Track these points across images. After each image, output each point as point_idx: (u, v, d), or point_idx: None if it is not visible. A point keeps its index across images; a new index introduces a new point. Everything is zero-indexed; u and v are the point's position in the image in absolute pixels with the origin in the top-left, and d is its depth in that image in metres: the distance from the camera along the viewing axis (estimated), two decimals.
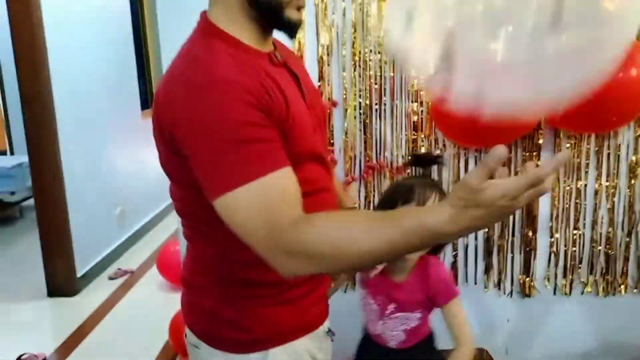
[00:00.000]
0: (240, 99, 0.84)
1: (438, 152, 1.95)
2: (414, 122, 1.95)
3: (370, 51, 1.89)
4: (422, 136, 1.95)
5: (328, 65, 1.88)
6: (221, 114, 0.84)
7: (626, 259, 2.00)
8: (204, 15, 0.98)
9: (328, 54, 1.90)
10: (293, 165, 0.88)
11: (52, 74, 3.04)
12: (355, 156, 1.97)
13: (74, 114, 3.23)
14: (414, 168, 1.88)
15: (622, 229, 1.98)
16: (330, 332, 1.17)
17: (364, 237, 0.78)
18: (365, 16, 1.86)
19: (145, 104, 4.37)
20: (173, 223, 4.33)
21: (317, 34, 1.88)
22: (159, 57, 4.88)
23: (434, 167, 1.95)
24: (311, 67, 1.83)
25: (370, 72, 1.91)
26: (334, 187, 1.13)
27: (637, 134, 1.90)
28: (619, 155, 1.92)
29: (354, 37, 1.89)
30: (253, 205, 0.82)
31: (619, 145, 1.92)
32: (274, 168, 0.84)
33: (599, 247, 2.00)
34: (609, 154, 1.92)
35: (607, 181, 1.95)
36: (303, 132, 0.96)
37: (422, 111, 1.93)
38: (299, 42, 1.85)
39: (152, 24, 4.66)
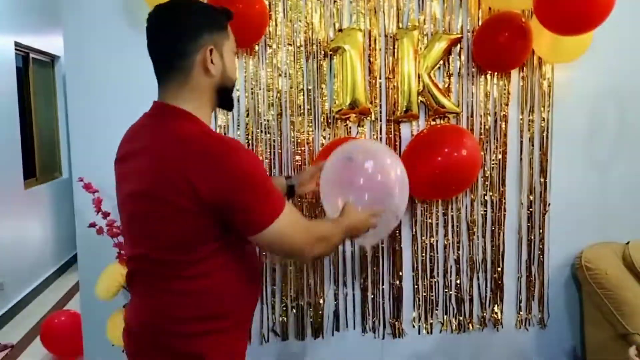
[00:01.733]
0: (258, 160, 1.27)
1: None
2: None
3: (261, 131, 2.24)
4: (306, 203, 2.30)
5: None
6: (258, 168, 1.21)
7: (471, 301, 2.46)
8: (173, 106, 1.23)
9: (225, 133, 2.22)
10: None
11: None
12: None
13: None
14: None
15: (467, 276, 2.44)
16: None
17: (335, 233, 1.42)
18: (256, 102, 2.23)
19: (28, 174, 4.31)
20: (55, 295, 4.22)
21: (215, 116, 2.20)
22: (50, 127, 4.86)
23: None
24: None
25: (260, 149, 2.25)
26: None
27: (472, 199, 2.40)
28: (460, 217, 2.41)
29: (247, 120, 2.23)
30: (294, 220, 1.27)
31: (460, 208, 2.41)
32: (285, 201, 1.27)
33: (450, 292, 2.44)
34: (452, 216, 2.40)
35: (452, 237, 2.41)
36: None
37: None
38: None
39: (36, 96, 4.67)
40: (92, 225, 2.07)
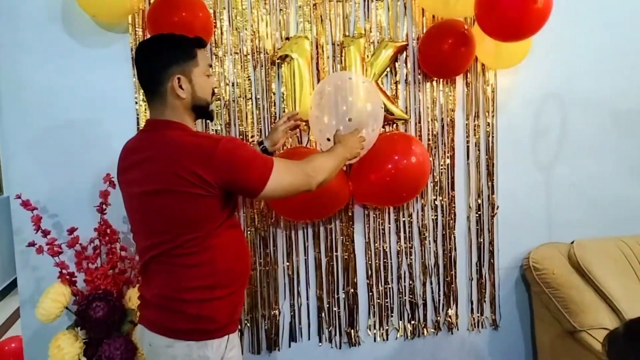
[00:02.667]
0: (238, 140, 1.58)
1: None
2: (250, 201, 2.26)
3: None
4: (256, 212, 2.27)
5: None
6: (240, 146, 1.49)
7: (424, 306, 2.48)
8: (161, 120, 1.52)
9: None
10: (235, 206, 1.62)
11: None
12: None
13: None
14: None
15: (420, 281, 2.46)
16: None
17: (330, 159, 1.70)
18: None
19: None
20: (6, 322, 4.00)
21: None
22: None
23: None
24: None
25: None
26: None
27: (422, 204, 2.43)
28: (411, 222, 2.43)
29: (195, 130, 2.18)
30: (284, 168, 1.53)
31: (411, 214, 2.43)
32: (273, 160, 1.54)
33: (405, 297, 2.45)
34: (404, 221, 2.42)
35: (405, 243, 2.43)
36: None
37: None
38: None
39: None
40: (32, 244, 1.96)
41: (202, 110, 1.58)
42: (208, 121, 2.17)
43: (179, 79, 1.49)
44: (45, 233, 1.98)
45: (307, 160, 1.64)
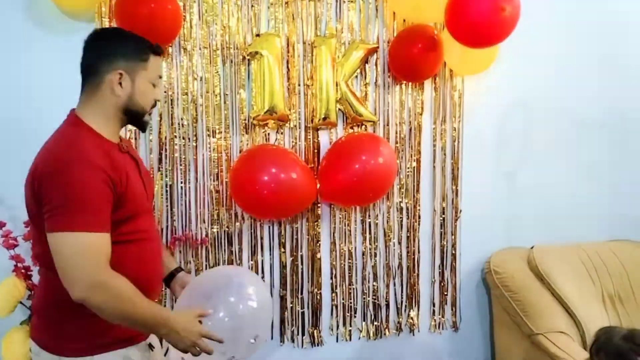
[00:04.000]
0: (96, 176, 1.28)
1: None
2: (215, 198, 2.24)
3: (175, 137, 2.16)
4: (224, 210, 2.25)
5: (136, 147, 2.09)
6: (83, 182, 1.26)
7: (387, 307, 2.49)
8: (73, 112, 1.41)
9: (136, 139, 2.12)
10: (133, 218, 1.39)
11: None
12: (162, 229, 2.17)
13: None
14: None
15: (383, 282, 2.47)
16: (150, 345, 1.49)
17: (137, 303, 1.29)
18: (169, 107, 2.15)
19: None
20: None
21: None
22: None
23: None
24: None
25: (175, 155, 2.17)
26: (159, 238, 1.59)
27: (388, 205, 2.44)
28: (377, 224, 2.45)
29: (160, 124, 2.15)
30: (85, 247, 1.24)
31: (377, 215, 2.44)
32: (98, 230, 1.27)
33: (368, 298, 2.46)
34: (369, 222, 2.43)
35: (370, 244, 2.44)
36: (137, 196, 1.42)
37: (222, 189, 2.23)
38: None
39: None
40: None
41: (134, 117, 1.45)
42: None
43: (120, 74, 1.38)
44: (1, 225, 1.91)
45: (120, 277, 1.28)
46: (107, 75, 1.38)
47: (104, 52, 1.41)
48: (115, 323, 1.31)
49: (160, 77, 1.51)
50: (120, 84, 1.39)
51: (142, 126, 1.50)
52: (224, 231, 2.27)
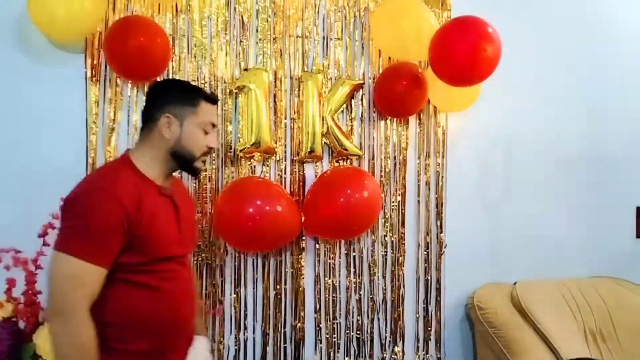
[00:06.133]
0: (113, 210, 1.30)
1: None
2: (199, 229, 2.22)
3: None
4: (207, 242, 2.23)
5: None
6: (98, 211, 1.29)
7: (371, 342, 2.47)
8: (127, 153, 1.48)
9: None
10: (154, 263, 1.38)
11: None
12: None
13: None
14: None
15: (367, 317, 2.46)
16: None
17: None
18: None
19: None
20: None
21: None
22: None
23: None
24: None
25: None
26: (189, 280, 1.56)
27: (373, 239, 2.45)
28: (362, 257, 2.44)
29: None
30: (67, 273, 1.25)
31: (362, 248, 2.44)
32: (95, 261, 1.28)
33: (352, 333, 2.44)
34: (354, 256, 2.43)
35: (354, 277, 2.43)
36: (162, 240, 1.41)
37: (205, 221, 2.23)
38: None
39: None
40: None
41: (183, 161, 1.49)
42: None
43: (168, 117, 1.45)
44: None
45: (88, 318, 1.27)
46: (159, 120, 1.45)
47: (158, 98, 1.50)
48: None
49: (215, 125, 1.52)
50: (169, 127, 1.45)
51: (193, 172, 1.55)
52: (207, 263, 2.25)
